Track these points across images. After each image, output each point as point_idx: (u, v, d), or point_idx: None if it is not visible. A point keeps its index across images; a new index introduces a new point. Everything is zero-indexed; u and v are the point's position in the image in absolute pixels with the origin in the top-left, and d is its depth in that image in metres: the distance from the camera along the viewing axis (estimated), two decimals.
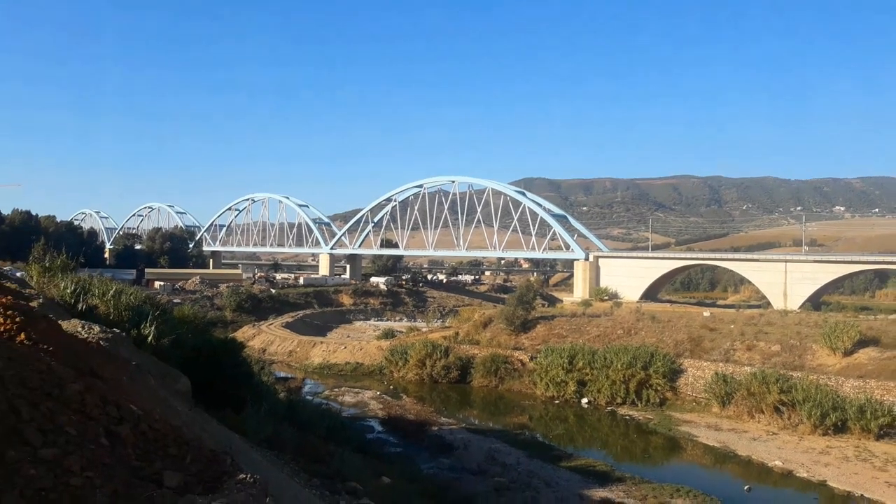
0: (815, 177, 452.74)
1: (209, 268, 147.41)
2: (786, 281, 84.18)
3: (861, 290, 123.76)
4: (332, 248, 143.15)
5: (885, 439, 35.06)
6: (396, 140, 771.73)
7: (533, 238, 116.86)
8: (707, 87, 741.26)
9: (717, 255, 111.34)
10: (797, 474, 30.85)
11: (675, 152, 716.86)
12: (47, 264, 15.82)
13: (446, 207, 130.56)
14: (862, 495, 27.89)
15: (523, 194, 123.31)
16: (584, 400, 45.81)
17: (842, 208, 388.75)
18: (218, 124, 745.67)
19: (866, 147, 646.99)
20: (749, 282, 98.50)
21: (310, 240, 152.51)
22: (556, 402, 46.28)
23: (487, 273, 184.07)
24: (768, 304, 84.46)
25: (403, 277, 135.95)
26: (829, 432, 36.21)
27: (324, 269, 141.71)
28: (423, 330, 68.82)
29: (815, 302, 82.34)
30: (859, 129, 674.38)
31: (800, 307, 77.20)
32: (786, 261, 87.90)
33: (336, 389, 49.53)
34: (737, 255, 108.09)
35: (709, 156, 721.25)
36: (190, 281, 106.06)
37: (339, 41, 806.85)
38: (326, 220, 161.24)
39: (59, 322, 8.76)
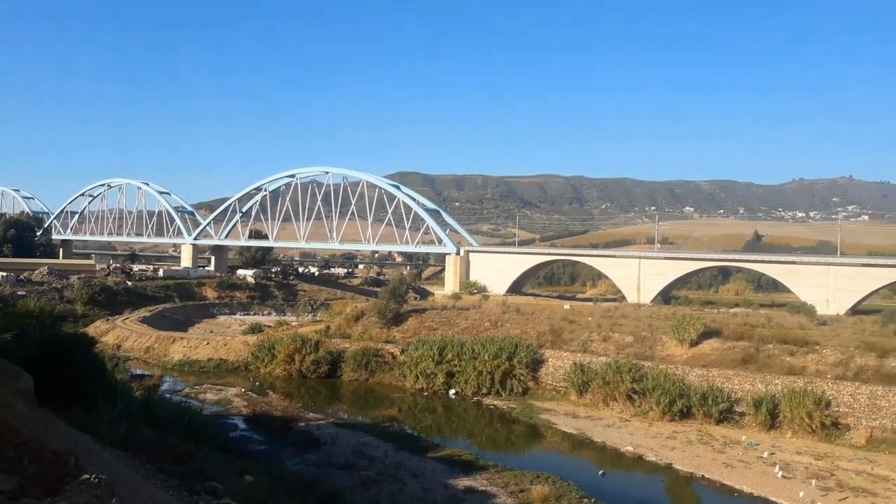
0: (668, 179, 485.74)
1: (59, 257, 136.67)
2: (639, 276, 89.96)
3: (707, 286, 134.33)
4: (195, 239, 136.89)
5: (725, 423, 38.49)
6: (268, 128, 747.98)
7: (407, 232, 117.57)
8: (571, 90, 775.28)
9: (578, 251, 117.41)
10: (647, 458, 33.24)
11: (542, 152, 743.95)
12: None
13: (319, 199, 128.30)
14: (703, 476, 30.49)
15: (398, 188, 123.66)
16: (452, 391, 46.84)
17: (691, 209, 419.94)
18: (71, 102, 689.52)
19: (714, 152, 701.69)
20: (606, 276, 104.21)
21: (171, 229, 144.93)
22: (426, 393, 47.04)
23: (361, 266, 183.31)
24: (623, 297, 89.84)
25: (273, 270, 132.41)
26: (676, 418, 39.21)
27: (186, 261, 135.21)
28: (293, 324, 67.56)
29: (666, 296, 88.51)
30: (708, 135, 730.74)
31: (652, 301, 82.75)
32: (639, 257, 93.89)
33: (198, 387, 47.68)
34: (595, 252, 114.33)
35: (572, 157, 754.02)
36: (37, 272, 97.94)
37: (204, 19, 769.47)
38: (190, 208, 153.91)
39: None
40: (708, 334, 48.03)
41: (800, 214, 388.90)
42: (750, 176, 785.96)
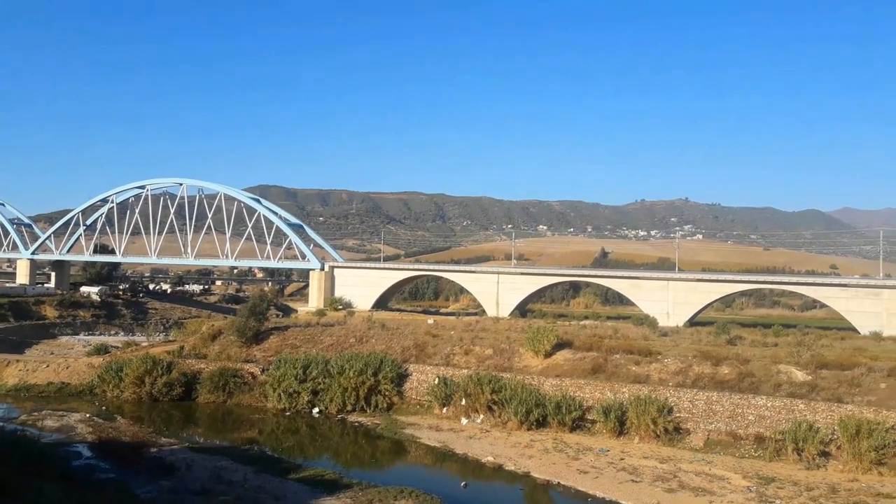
0: (524, 198, 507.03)
1: None
2: (498, 291, 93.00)
3: (559, 299, 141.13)
4: (33, 253, 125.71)
5: (578, 431, 40.52)
6: (117, 135, 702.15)
7: (268, 247, 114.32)
8: (435, 109, 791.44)
9: (441, 267, 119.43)
10: (506, 468, 34.42)
11: (406, 169, 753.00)
12: None
13: (172, 212, 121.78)
14: (559, 483, 31.98)
15: (258, 201, 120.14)
16: (316, 410, 46.16)
17: (545, 227, 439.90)
18: None
19: (565, 174, 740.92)
20: (468, 291, 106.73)
21: (6, 243, 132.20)
22: (288, 413, 46.02)
23: (218, 283, 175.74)
24: (484, 311, 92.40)
25: (121, 287, 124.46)
26: (533, 427, 40.82)
27: (23, 277, 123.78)
28: (144, 345, 63.88)
29: (522, 309, 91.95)
30: (560, 158, 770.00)
31: (510, 314, 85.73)
32: (498, 272, 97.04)
33: (36, 414, 43.95)
34: (457, 267, 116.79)
35: (435, 174, 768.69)
36: None
37: (43, 12, 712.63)
38: (27, 220, 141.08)
39: None
40: (561, 345, 50.18)
41: (642, 233, 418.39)
42: (597, 197, 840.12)
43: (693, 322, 78.37)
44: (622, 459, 35.25)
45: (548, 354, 49.27)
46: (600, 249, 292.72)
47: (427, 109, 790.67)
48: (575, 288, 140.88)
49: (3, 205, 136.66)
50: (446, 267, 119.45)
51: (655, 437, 38.42)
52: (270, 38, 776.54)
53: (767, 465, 34.06)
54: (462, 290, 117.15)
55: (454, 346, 53.11)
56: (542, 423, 41.08)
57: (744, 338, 55.55)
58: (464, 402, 43.78)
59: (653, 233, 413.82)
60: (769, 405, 38.06)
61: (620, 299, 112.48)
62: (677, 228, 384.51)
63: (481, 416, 42.98)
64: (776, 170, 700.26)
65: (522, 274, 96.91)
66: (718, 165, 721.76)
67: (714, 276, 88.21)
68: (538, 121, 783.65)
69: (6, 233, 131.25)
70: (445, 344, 54.05)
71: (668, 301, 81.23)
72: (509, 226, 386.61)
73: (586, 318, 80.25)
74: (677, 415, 39.52)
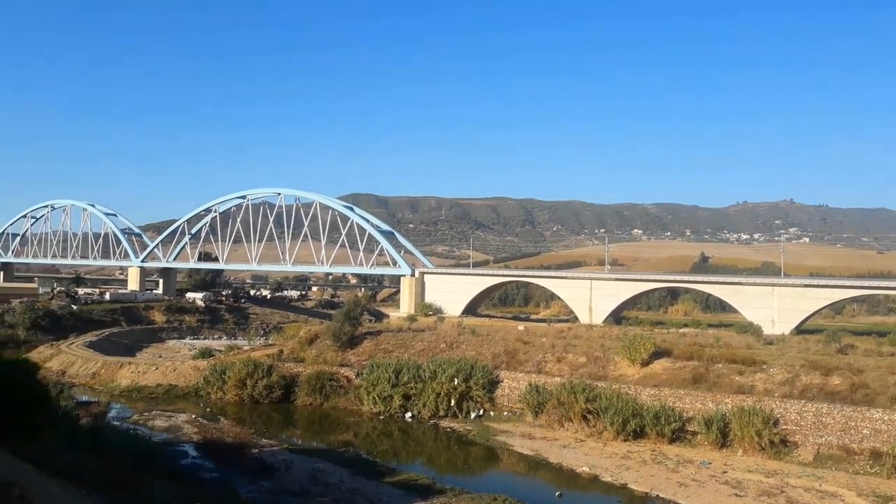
0: (617, 202, 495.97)
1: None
2: (591, 297, 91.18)
3: (656, 306, 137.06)
4: (143, 262, 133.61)
5: (677, 443, 38.93)
6: (218, 149, 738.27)
7: (361, 253, 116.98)
8: (523, 114, 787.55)
9: (531, 273, 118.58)
10: (602, 478, 33.42)
11: (494, 175, 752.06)
12: None
13: (271, 220, 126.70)
14: (658, 495, 30.76)
15: (351, 209, 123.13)
16: (409, 414, 46.46)
17: (639, 231, 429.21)
18: (13, 124, 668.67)
19: (660, 176, 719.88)
20: (559, 297, 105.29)
21: (118, 252, 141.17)
22: (382, 417, 46.54)
23: (314, 289, 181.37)
24: (576, 318, 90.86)
25: (223, 293, 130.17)
26: (630, 438, 39.50)
27: (133, 284, 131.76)
28: (245, 348, 66.33)
29: (617, 316, 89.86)
30: (655, 160, 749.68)
31: (603, 321, 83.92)
32: (591, 278, 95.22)
33: (146, 414, 46.24)
34: (548, 273, 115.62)
35: (524, 179, 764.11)
36: None
37: (146, 42, 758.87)
38: (137, 230, 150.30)
39: None
40: (658, 354, 48.70)
41: (744, 236, 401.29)
42: (695, 199, 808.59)
43: (800, 330, 74.33)
44: (725, 472, 33.64)
45: (645, 363, 47.80)
46: (699, 254, 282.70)
47: (513, 114, 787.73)
48: (673, 294, 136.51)
49: (115, 215, 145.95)
50: (536, 272, 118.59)
51: (760, 449, 36.44)
52: (358, 52, 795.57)
53: (885, 483, 31.64)
54: (553, 297, 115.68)
55: (546, 354, 52.33)
56: (639, 434, 39.76)
57: (856, 347, 52.13)
58: (557, 410, 42.97)
59: (756, 236, 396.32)
60: (886, 419, 35.34)
61: (722, 306, 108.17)
62: (782, 231, 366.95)
63: (575, 425, 42.04)
64: (890, 168, 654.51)
65: (617, 279, 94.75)
66: (826, 165, 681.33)
67: (823, 282, 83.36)
68: (630, 121, 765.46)
69: (118, 242, 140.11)
70: (537, 351, 53.35)
71: (774, 308, 77.36)
72: (602, 230, 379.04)
73: (685, 325, 77.59)
74: (784, 427, 37.37)
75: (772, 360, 46.07)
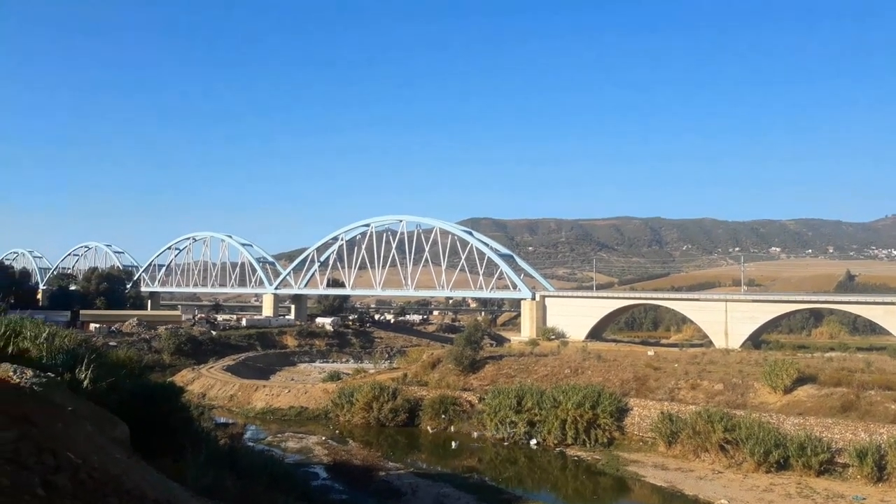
0: (752, 218, 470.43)
1: (147, 309, 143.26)
2: (726, 320, 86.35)
3: (798, 329, 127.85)
4: (276, 289, 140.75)
5: (826, 475, 35.77)
6: (342, 180, 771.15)
7: (480, 277, 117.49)
8: (646, 129, 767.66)
9: (660, 295, 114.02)
10: None
11: (617, 194, 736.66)
12: None
13: (394, 247, 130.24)
14: None
15: (470, 234, 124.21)
16: (533, 441, 45.58)
17: (777, 249, 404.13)
18: (158, 162, 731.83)
19: (799, 189, 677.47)
20: (691, 321, 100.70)
21: (253, 280, 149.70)
22: (506, 443, 45.92)
23: (436, 313, 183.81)
24: (710, 342, 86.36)
25: (350, 318, 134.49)
26: (772, 469, 36.76)
27: (267, 310, 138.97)
28: (371, 371, 67.88)
29: (755, 340, 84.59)
30: (792, 172, 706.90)
31: (741, 346, 79.19)
32: (726, 300, 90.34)
33: (279, 435, 48.11)
34: (678, 295, 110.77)
35: (649, 197, 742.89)
36: (127, 323, 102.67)
37: (276, 84, 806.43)
38: (271, 259, 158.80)
39: None
40: (802, 380, 45.47)
41: (895, 252, 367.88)
42: (839, 213, 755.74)
43: None
44: None
45: (787, 390, 44.59)
46: (845, 272, 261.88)
47: (635, 129, 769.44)
48: (816, 316, 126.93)
49: (250, 245, 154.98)
50: (666, 295, 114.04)
51: None
52: (473, 81, 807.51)
53: None
54: (684, 320, 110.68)
55: (679, 380, 49.96)
56: (783, 466, 36.89)
57: None
58: (692, 440, 40.69)
59: None
60: None
61: (872, 328, 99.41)
62: None
63: (712, 455, 39.62)
64: None
65: (754, 301, 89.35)
66: None
67: None
68: (763, 132, 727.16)
69: (254, 270, 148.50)
70: (669, 377, 51.03)
71: None
72: (736, 248, 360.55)
73: (831, 349, 71.82)
74: None
75: None
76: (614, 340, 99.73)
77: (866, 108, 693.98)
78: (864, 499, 32.15)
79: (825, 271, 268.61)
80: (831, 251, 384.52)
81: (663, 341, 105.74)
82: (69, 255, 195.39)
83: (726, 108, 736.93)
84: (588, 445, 44.26)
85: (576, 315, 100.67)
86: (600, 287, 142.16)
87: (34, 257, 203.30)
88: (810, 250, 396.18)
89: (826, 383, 44.80)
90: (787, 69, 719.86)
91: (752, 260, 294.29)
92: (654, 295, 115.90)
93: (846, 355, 61.20)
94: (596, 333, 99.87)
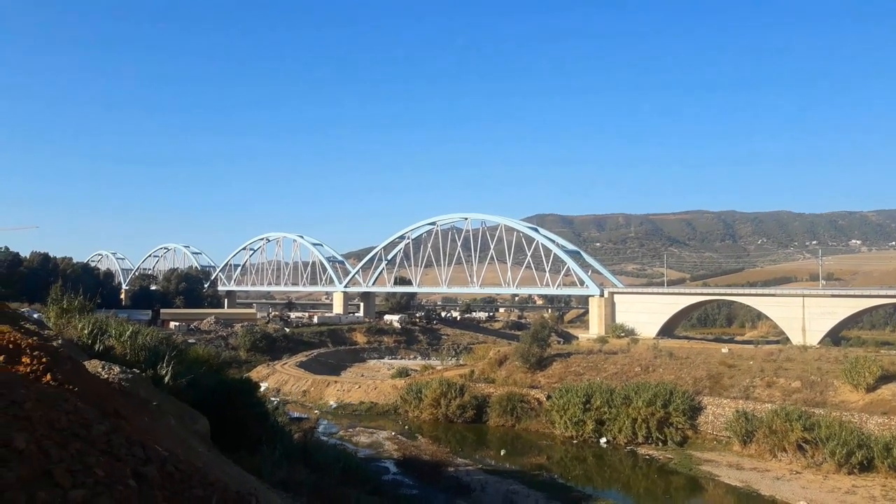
0: (830, 210, 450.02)
1: (224, 307, 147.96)
2: (804, 316, 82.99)
3: (881, 325, 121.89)
4: (345, 287, 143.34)
5: None
6: (409, 178, 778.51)
7: (547, 274, 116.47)
8: (719, 121, 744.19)
9: (734, 290, 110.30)
10: None
11: (689, 187, 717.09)
12: (65, 305, 15.91)
13: (459, 244, 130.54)
14: None
15: (536, 230, 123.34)
16: (603, 440, 45.07)
17: (858, 242, 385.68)
18: (233, 166, 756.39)
19: (881, 179, 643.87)
20: (766, 317, 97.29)
21: (324, 278, 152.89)
22: (575, 441, 45.58)
23: (501, 310, 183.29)
24: (787, 339, 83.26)
25: (417, 315, 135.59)
26: (855, 471, 35.34)
27: (338, 308, 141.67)
28: (438, 368, 68.36)
29: (835, 337, 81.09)
30: (875, 162, 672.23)
31: (819, 342, 76.06)
32: (803, 295, 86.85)
33: (350, 430, 49.11)
34: (753, 290, 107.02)
35: (722, 190, 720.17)
36: (205, 321, 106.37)
37: (345, 84, 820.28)
38: (340, 258, 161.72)
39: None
40: (887, 378, 43.55)
41: None
42: None
43: None
44: None
45: (870, 388, 42.71)
46: None
47: (708, 122, 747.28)
48: None
49: (321, 245, 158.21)
50: (740, 290, 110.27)
51: None
52: (538, 76, 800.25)
53: None
54: (759, 316, 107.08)
55: (754, 378, 48.47)
56: (865, 467, 35.38)
57: None
58: (769, 439, 39.43)
59: None
60: None
61: None
62: None
63: (789, 455, 38.31)
64: None
65: (833, 296, 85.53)
66: None
67: None
68: (841, 119, 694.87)
69: (324, 269, 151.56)
70: (743, 375, 49.58)
71: None
72: (814, 242, 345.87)
73: None
74: None
75: None
76: (686, 337, 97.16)
77: None
78: None
79: None
80: None
81: (737, 338, 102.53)
82: (149, 256, 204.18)
83: (806, 94, 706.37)
84: (660, 444, 43.50)
85: (646, 312, 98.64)
86: (671, 283, 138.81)
87: (117, 259, 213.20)
88: (894, 242, 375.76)
89: None
90: (858, 52, 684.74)
91: (830, 253, 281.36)
92: (728, 290, 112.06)
93: None
94: (667, 330, 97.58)
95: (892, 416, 38.66)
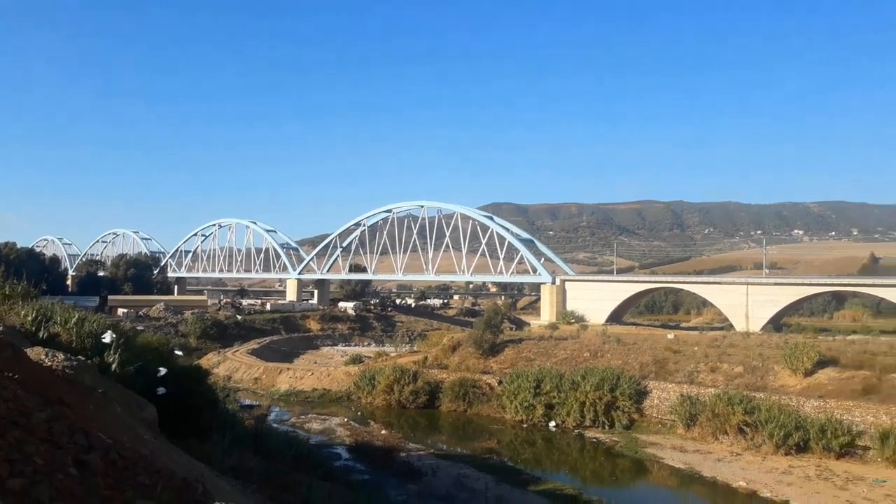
0: (775, 201, 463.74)
1: (174, 294, 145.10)
2: (747, 303, 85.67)
3: (820, 312, 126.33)
4: (299, 274, 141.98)
5: (846, 458, 35.73)
6: (364, 166, 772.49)
7: (501, 262, 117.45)
8: (668, 112, 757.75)
9: (680, 278, 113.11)
10: (761, 494, 31.26)
11: (639, 177, 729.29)
12: (7, 291, 15.51)
13: (415, 232, 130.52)
14: None
15: (491, 219, 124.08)
16: (552, 423, 45.93)
17: (800, 232, 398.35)
18: (183, 150, 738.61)
19: (823, 172, 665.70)
20: (711, 304, 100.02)
21: (277, 265, 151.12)
22: (525, 425, 46.32)
23: (456, 297, 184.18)
24: (730, 326, 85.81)
25: (372, 302, 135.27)
26: (792, 452, 36.79)
27: (291, 295, 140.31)
28: (392, 355, 68.46)
29: (777, 323, 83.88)
30: (817, 154, 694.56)
31: (761, 329, 78.59)
32: (747, 283, 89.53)
33: (303, 417, 48.92)
34: (699, 278, 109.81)
35: (672, 181, 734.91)
36: (154, 307, 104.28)
37: (297, 71, 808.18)
38: (294, 245, 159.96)
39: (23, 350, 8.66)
40: (824, 363, 45.29)
41: None
42: (864, 195, 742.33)
43: None
44: None
45: (808, 373, 44.43)
46: (869, 254, 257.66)
47: (654, 112, 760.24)
48: (839, 299, 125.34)
49: (274, 232, 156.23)
50: (686, 278, 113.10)
51: None
52: (493, 65, 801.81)
53: None
54: (705, 303, 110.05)
55: (698, 363, 49.91)
56: (802, 449, 36.90)
57: None
58: (711, 422, 40.78)
59: None
60: None
61: None
62: None
63: (731, 437, 39.71)
64: None
65: (776, 284, 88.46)
66: None
67: None
68: (788, 113, 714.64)
69: (278, 256, 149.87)
70: (688, 360, 51.00)
71: None
72: (759, 232, 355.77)
73: (854, 332, 71.03)
74: None
75: None
76: (634, 324, 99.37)
77: (891, 86, 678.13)
78: (884, 482, 32.07)
79: (849, 254, 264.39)
80: (856, 234, 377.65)
81: (683, 325, 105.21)
82: (98, 241, 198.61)
83: (747, 90, 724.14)
84: (607, 428, 44.55)
85: (596, 299, 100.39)
86: (621, 271, 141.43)
87: (64, 244, 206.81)
88: (834, 233, 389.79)
89: (848, 366, 44.58)
90: (807, 49, 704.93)
91: (774, 243, 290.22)
92: (675, 278, 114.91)
93: (869, 338, 60.42)
94: (616, 317, 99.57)
95: (828, 399, 40.21)
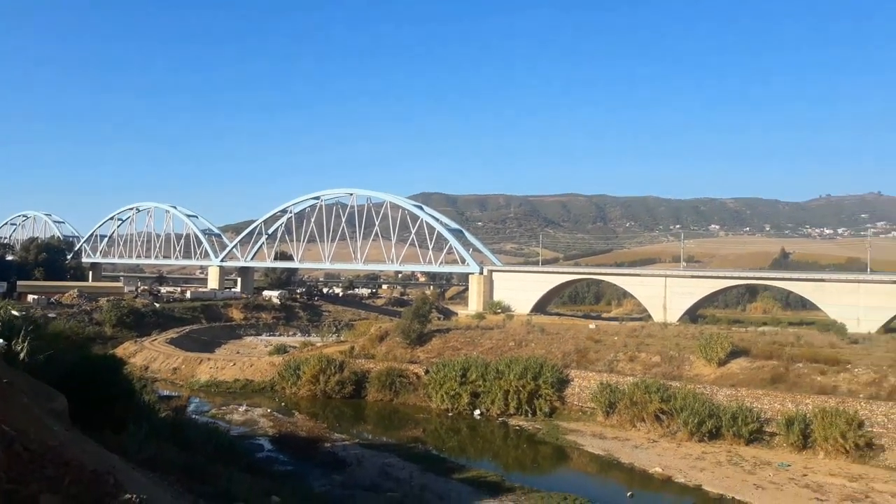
0: (693, 196, 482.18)
1: (88, 280, 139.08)
2: (665, 295, 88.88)
3: (734, 304, 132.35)
4: (222, 261, 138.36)
5: (754, 444, 37.68)
6: (293, 151, 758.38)
7: (430, 252, 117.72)
8: (595, 105, 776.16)
9: (602, 270, 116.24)
10: (675, 479, 32.64)
11: (565, 171, 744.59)
12: None
13: (344, 220, 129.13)
14: (733, 497, 29.85)
15: (421, 208, 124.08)
16: (477, 412, 46.54)
17: (717, 227, 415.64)
18: (100, 126, 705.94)
19: (739, 170, 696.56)
20: (631, 295, 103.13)
21: (198, 252, 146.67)
22: (451, 414, 46.77)
23: (385, 287, 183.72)
24: (649, 316, 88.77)
25: (298, 291, 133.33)
26: (705, 439, 38.48)
27: (213, 283, 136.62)
28: (318, 345, 67.78)
29: (693, 315, 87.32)
30: (733, 153, 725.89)
31: (678, 320, 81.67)
32: (665, 276, 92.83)
33: (224, 408, 47.90)
34: (620, 270, 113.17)
35: (595, 176, 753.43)
36: (67, 294, 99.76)
37: (229, 45, 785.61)
38: (217, 231, 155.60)
39: None
40: (736, 353, 47.48)
41: (827, 231, 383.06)
42: (776, 193, 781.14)
43: (888, 329, 70.49)
44: (805, 476, 32.40)
45: (721, 363, 46.54)
46: (780, 250, 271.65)
47: (580, 107, 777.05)
48: (751, 292, 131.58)
49: (196, 217, 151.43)
50: (608, 270, 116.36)
51: (844, 452, 34.90)
52: (424, 55, 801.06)
53: None
54: (625, 295, 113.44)
55: (618, 353, 51.51)
56: (714, 435, 38.70)
57: None
58: (629, 410, 42.20)
59: (840, 231, 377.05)
60: None
61: (803, 304, 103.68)
62: (868, 225, 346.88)
63: (648, 425, 41.22)
64: None
65: (693, 276, 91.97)
66: None
67: None
68: (706, 112, 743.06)
69: (199, 242, 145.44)
70: (609, 350, 52.55)
71: (859, 305, 73.58)
72: (677, 226, 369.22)
73: (765, 324, 74.84)
74: (869, 429, 35.65)
75: (857, 359, 44.09)
76: (558, 314, 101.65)
77: (802, 89, 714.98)
78: (789, 465, 34.01)
79: (762, 249, 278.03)
80: (768, 230, 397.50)
81: (604, 315, 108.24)
82: (6, 223, 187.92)
83: (668, 88, 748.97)
84: (530, 415, 45.48)
85: (521, 289, 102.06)
86: (546, 262, 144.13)
87: None
88: (748, 228, 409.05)
89: (758, 356, 46.85)
90: (724, 47, 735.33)
91: (692, 237, 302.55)
92: (597, 270, 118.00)
93: (778, 330, 63.72)
94: (541, 307, 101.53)
95: (739, 388, 42.19)
